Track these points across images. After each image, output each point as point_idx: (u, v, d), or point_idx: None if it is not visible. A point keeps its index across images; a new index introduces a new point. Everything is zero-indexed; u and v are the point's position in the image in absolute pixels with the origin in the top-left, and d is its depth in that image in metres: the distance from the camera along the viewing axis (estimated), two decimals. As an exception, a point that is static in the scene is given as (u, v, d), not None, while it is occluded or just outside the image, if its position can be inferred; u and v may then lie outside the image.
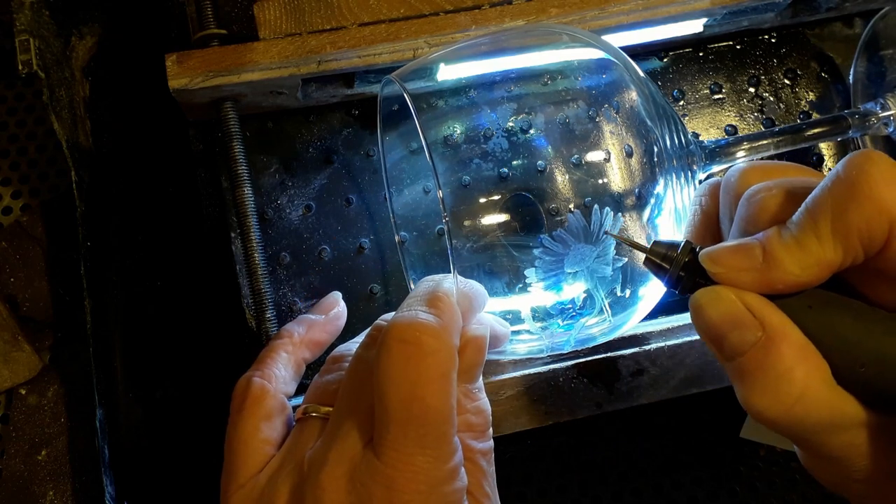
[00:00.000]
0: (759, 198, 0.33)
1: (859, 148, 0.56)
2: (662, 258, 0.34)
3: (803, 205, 0.31)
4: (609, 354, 0.47)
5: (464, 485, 0.34)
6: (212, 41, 0.49)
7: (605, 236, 0.39)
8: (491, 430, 0.39)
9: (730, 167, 0.46)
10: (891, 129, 0.49)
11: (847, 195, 0.29)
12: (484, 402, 0.38)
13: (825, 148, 0.57)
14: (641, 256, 0.36)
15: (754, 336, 0.30)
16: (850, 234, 0.29)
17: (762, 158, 0.55)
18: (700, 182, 0.42)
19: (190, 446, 0.53)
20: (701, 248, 0.33)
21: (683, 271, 0.34)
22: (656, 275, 0.35)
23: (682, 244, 0.34)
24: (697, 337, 0.48)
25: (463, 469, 0.34)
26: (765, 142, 0.45)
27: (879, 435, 0.30)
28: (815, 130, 0.46)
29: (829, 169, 0.57)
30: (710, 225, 0.39)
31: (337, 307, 0.46)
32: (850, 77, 0.55)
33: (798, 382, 0.29)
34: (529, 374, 0.47)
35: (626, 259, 0.40)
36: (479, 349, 0.37)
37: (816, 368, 0.30)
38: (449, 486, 0.33)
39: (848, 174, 0.29)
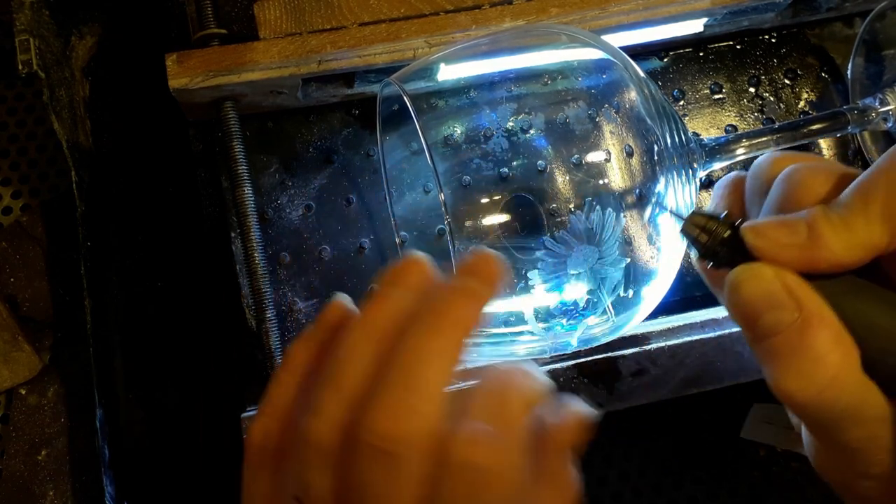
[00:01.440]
0: (800, 176, 0.33)
1: (859, 144, 0.56)
2: (702, 229, 0.33)
3: (853, 184, 0.30)
4: (609, 354, 0.47)
5: None
6: (212, 41, 0.49)
7: (608, 237, 0.39)
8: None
9: (729, 165, 0.46)
10: (890, 124, 0.49)
11: None
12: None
13: (826, 148, 0.57)
14: (643, 257, 0.36)
15: (791, 317, 0.30)
16: None
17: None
18: (700, 180, 0.42)
19: (190, 446, 0.53)
20: (740, 222, 0.33)
21: (721, 245, 0.33)
22: (693, 245, 0.34)
23: (723, 216, 0.33)
24: (698, 337, 0.48)
25: None
26: (764, 139, 0.45)
27: None
28: (815, 126, 0.46)
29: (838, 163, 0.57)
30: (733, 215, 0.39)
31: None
32: (849, 74, 0.55)
33: (832, 367, 0.29)
34: (530, 374, 0.47)
35: (628, 259, 0.40)
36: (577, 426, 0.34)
37: (850, 355, 0.29)
38: None
39: None
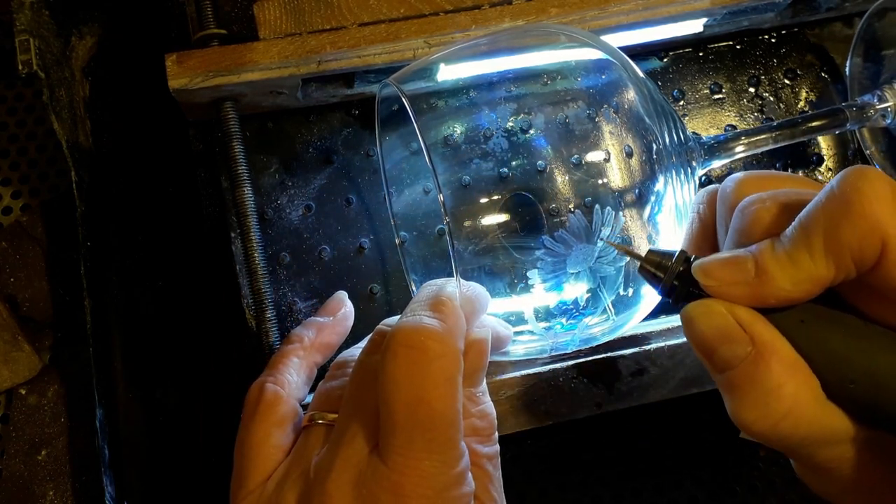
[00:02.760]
0: (753, 209, 0.33)
1: (858, 140, 0.56)
2: (657, 266, 0.34)
3: (797, 219, 0.31)
4: (609, 354, 0.47)
5: (471, 489, 0.34)
6: (212, 41, 0.49)
7: (609, 236, 0.39)
8: (496, 434, 0.38)
9: (727, 162, 0.46)
10: (888, 121, 0.49)
11: (840, 212, 0.29)
12: (489, 405, 0.38)
13: (825, 147, 0.57)
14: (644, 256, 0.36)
15: (744, 351, 0.30)
16: (843, 251, 0.29)
17: (762, 154, 0.55)
18: (700, 179, 0.42)
19: (190, 446, 0.53)
20: (696, 259, 0.33)
21: (677, 281, 0.34)
22: (650, 283, 0.35)
23: (677, 254, 0.34)
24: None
25: (470, 474, 0.34)
26: (763, 136, 0.45)
27: (868, 448, 0.30)
28: (813, 124, 0.46)
29: (830, 169, 0.57)
30: (707, 234, 0.39)
31: (343, 308, 0.46)
32: (847, 71, 0.55)
33: (787, 398, 0.30)
34: (530, 374, 0.47)
35: (628, 258, 0.40)
36: (482, 353, 0.37)
37: (806, 384, 0.30)
38: (456, 490, 0.33)
39: (842, 190, 0.29)
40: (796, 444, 0.30)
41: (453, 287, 0.37)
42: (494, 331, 0.40)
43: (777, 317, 0.31)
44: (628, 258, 0.39)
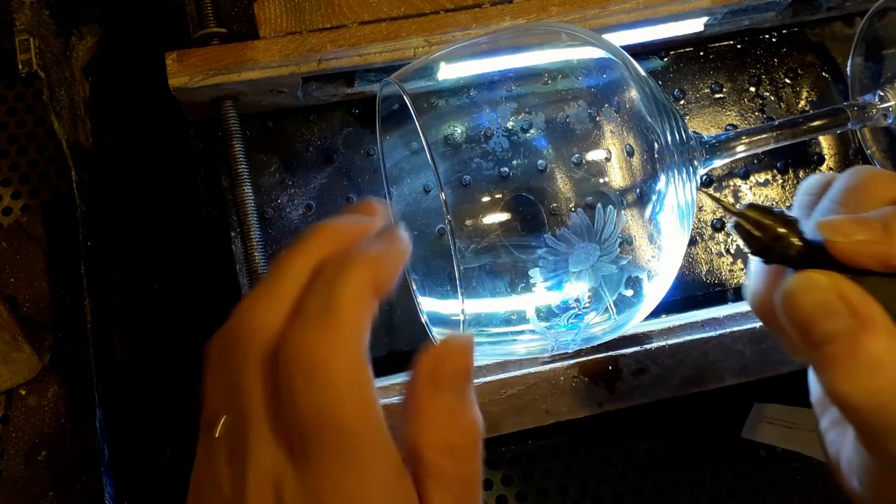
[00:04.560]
0: (864, 181, 0.33)
1: (859, 141, 0.56)
2: (756, 224, 0.33)
3: None
4: (610, 353, 0.47)
5: (410, 498, 0.30)
6: (212, 40, 0.49)
7: (610, 234, 0.39)
8: (480, 452, 0.32)
9: (728, 161, 0.46)
10: (890, 121, 0.49)
11: None
12: (472, 419, 0.32)
13: (826, 147, 0.57)
14: (645, 256, 0.36)
15: (846, 324, 0.30)
16: None
17: (763, 153, 0.55)
18: (701, 178, 0.42)
19: (190, 447, 0.53)
20: (795, 219, 0.33)
21: (775, 241, 0.33)
22: (744, 240, 0.34)
23: (778, 212, 0.33)
24: (699, 336, 0.48)
25: (411, 490, 0.30)
26: (764, 135, 0.45)
27: None
28: (815, 123, 0.46)
29: (831, 168, 0.57)
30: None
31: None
32: (848, 70, 0.55)
33: (889, 370, 0.29)
34: (530, 374, 0.47)
35: (630, 257, 0.40)
36: (459, 357, 0.32)
37: None
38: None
39: None
40: (890, 423, 0.30)
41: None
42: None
43: (878, 285, 0.31)
44: (630, 257, 0.39)
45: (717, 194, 0.38)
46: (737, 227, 0.34)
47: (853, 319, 0.30)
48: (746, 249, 0.34)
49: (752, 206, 0.34)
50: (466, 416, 0.31)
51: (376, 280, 0.30)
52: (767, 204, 0.34)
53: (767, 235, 0.33)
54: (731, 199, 0.39)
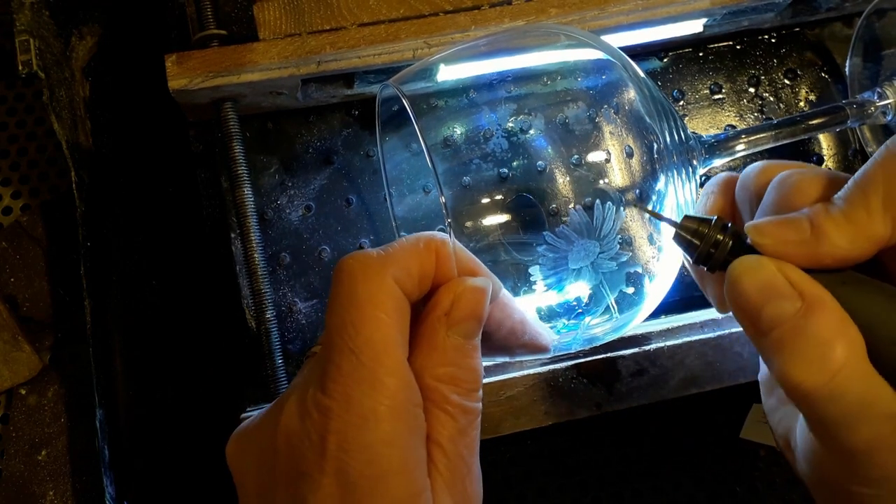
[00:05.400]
0: (794, 179, 0.33)
1: (859, 139, 0.56)
2: (693, 234, 0.34)
3: (851, 180, 0.31)
4: (609, 355, 0.47)
5: (419, 430, 0.32)
6: (212, 42, 0.49)
7: (610, 231, 0.39)
8: (480, 394, 0.35)
9: (728, 161, 0.46)
10: (889, 118, 0.49)
11: None
12: (477, 362, 0.35)
13: (826, 147, 0.57)
14: (645, 255, 0.36)
15: (793, 307, 0.30)
16: None
17: (762, 153, 0.55)
18: (701, 178, 0.42)
19: (190, 446, 0.53)
20: (731, 225, 0.33)
21: (714, 247, 0.33)
22: (685, 251, 0.34)
23: (714, 220, 0.34)
24: (698, 337, 0.48)
25: (419, 414, 0.33)
26: (764, 135, 0.45)
27: None
28: (814, 122, 0.46)
29: (829, 168, 0.57)
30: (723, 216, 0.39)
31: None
32: (847, 69, 0.55)
33: (840, 352, 0.29)
34: (529, 375, 0.47)
35: (630, 254, 0.40)
36: (474, 301, 0.34)
37: (857, 341, 0.29)
38: (389, 424, 0.31)
39: None
40: (842, 411, 0.29)
41: (443, 235, 0.36)
42: (509, 303, 0.37)
43: (823, 277, 0.31)
44: (631, 255, 0.39)
45: (655, 211, 0.38)
46: (676, 237, 0.34)
47: (801, 301, 0.30)
48: (688, 260, 0.35)
49: (688, 216, 0.34)
50: (472, 358, 0.34)
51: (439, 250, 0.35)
52: (703, 215, 0.35)
53: (706, 243, 0.33)
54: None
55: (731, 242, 0.33)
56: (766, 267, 0.31)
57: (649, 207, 0.39)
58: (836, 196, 0.31)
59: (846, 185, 0.31)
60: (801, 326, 0.30)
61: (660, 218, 0.36)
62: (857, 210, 0.30)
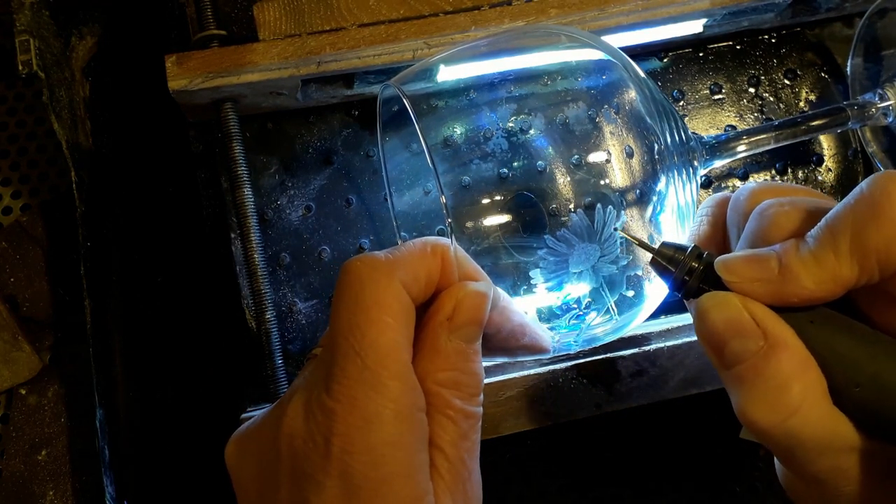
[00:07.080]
0: (771, 213, 0.33)
1: (860, 139, 0.56)
2: (669, 260, 0.34)
3: (822, 221, 0.31)
4: (609, 355, 0.47)
5: (422, 433, 0.33)
6: (211, 42, 0.49)
7: (610, 235, 0.39)
8: (481, 398, 0.36)
9: (728, 161, 0.46)
10: (890, 119, 0.49)
11: (868, 214, 0.30)
12: (478, 367, 0.36)
13: (826, 147, 0.57)
14: (647, 255, 0.36)
15: (756, 345, 0.30)
16: (868, 254, 0.30)
17: (763, 153, 0.55)
18: (701, 179, 0.43)
19: (190, 446, 0.53)
20: (707, 254, 0.34)
21: (689, 275, 0.34)
22: (661, 276, 0.35)
23: (690, 248, 0.34)
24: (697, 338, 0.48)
25: (423, 417, 0.33)
26: (764, 136, 0.45)
27: (870, 462, 0.30)
28: (814, 123, 0.47)
29: (830, 169, 0.57)
30: (715, 239, 0.39)
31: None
32: (848, 70, 0.55)
33: (796, 395, 0.30)
34: (529, 375, 0.47)
35: (630, 257, 0.40)
36: (476, 307, 0.35)
37: (816, 383, 0.30)
38: (393, 427, 0.31)
39: (871, 193, 0.30)
40: (800, 446, 0.30)
41: (446, 240, 0.36)
42: (512, 312, 0.38)
43: (788, 315, 0.31)
44: (631, 257, 0.39)
45: (634, 236, 0.39)
46: (652, 263, 0.35)
47: (763, 340, 0.30)
48: (665, 285, 0.35)
49: (665, 243, 0.35)
50: (474, 363, 0.35)
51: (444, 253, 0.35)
52: (680, 242, 0.35)
53: (681, 271, 0.34)
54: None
55: (704, 272, 0.33)
56: (732, 304, 0.32)
57: (631, 233, 0.39)
58: (808, 234, 0.32)
59: (817, 225, 0.31)
60: (760, 366, 0.30)
61: (638, 243, 0.37)
62: (825, 252, 0.30)
